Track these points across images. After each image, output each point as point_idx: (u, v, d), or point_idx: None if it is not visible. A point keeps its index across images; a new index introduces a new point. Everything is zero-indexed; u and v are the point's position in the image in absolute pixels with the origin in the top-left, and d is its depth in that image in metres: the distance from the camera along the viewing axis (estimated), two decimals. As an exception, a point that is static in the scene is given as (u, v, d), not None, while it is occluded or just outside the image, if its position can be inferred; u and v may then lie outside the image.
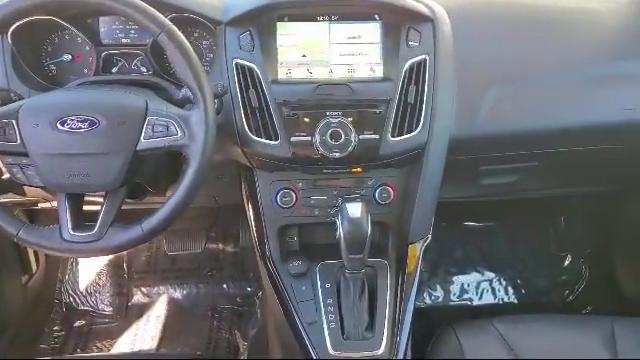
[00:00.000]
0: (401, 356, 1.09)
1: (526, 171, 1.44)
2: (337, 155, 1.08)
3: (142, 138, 0.92)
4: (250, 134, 1.09)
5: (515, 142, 1.28)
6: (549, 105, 1.25)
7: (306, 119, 1.08)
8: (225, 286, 2.09)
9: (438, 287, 2.12)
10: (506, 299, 2.11)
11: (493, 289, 2.12)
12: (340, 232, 1.03)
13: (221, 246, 2.15)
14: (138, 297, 2.10)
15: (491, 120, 1.22)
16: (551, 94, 1.26)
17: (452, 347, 1.20)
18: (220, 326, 1.97)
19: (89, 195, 1.01)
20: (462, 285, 2.14)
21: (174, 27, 0.93)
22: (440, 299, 2.11)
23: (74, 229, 0.94)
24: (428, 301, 2.10)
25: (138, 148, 0.93)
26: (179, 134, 0.92)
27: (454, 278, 2.14)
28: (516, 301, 2.09)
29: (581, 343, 1.23)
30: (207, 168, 0.93)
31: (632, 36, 1.34)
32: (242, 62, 1.10)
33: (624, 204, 1.83)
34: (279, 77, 1.13)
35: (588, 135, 1.30)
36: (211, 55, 1.19)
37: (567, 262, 2.13)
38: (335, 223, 1.06)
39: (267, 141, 1.09)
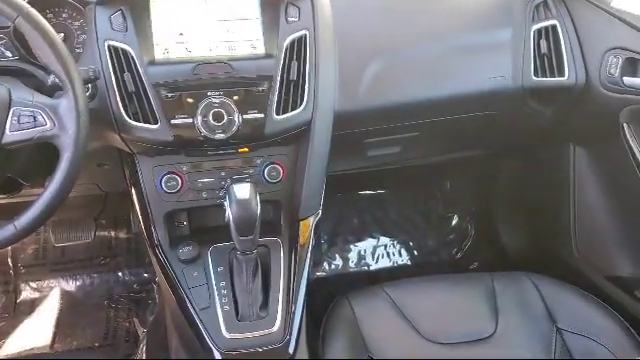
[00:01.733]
0: (295, 330, 1.11)
1: (409, 141, 1.50)
2: (221, 136, 1.07)
3: (7, 131, 0.86)
4: (128, 119, 1.04)
5: (396, 114, 1.32)
6: (425, 76, 1.31)
7: (186, 100, 1.05)
8: (120, 274, 2.03)
9: (337, 256, 2.17)
10: (400, 261, 2.20)
11: (388, 253, 2.21)
12: (229, 214, 1.02)
13: (113, 233, 2.08)
14: (27, 293, 1.99)
15: (372, 94, 1.26)
16: (426, 65, 1.31)
17: (346, 316, 1.24)
18: (117, 315, 1.92)
19: None
20: (359, 252, 2.20)
21: (32, 9, 0.87)
22: (339, 267, 2.16)
23: None
24: (328, 270, 2.15)
25: (3, 142, 0.86)
26: (48, 124, 0.87)
27: (351, 246, 2.21)
28: (409, 262, 2.19)
29: (465, 299, 1.32)
30: (82, 158, 0.89)
31: (499, 5, 1.41)
32: (115, 44, 1.05)
33: (501, 166, 1.96)
34: (156, 58, 1.09)
35: (463, 103, 1.36)
36: (83, 36, 1.12)
37: (454, 222, 2.26)
38: (224, 205, 1.05)
39: (146, 125, 1.05)
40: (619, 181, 1.46)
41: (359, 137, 1.41)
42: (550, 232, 1.76)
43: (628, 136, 1.35)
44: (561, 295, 1.30)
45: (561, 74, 1.38)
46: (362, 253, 2.20)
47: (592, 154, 1.55)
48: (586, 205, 1.59)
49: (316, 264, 2.13)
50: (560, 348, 1.21)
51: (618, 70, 1.34)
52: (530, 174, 1.84)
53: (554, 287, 1.32)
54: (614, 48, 1.34)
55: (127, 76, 1.04)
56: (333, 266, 2.16)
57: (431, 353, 1.20)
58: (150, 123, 1.05)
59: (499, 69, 1.36)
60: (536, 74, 1.37)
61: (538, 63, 1.37)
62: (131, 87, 1.04)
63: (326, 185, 1.26)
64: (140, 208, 1.17)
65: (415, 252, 2.22)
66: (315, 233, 1.23)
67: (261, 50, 1.13)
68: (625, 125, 1.35)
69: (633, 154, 1.34)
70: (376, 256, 2.21)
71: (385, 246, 2.23)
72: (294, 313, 1.12)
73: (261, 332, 1.09)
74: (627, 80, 1.32)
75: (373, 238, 2.23)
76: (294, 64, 1.11)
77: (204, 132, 1.06)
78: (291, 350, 1.10)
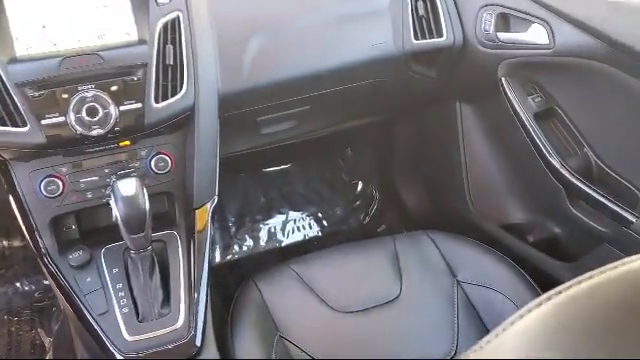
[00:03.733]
0: (200, 322, 1.09)
1: (302, 115, 1.49)
2: (99, 132, 1.01)
3: None
4: None
5: (282, 90, 1.31)
6: (308, 49, 1.30)
7: (56, 98, 0.98)
8: (18, 284, 1.91)
9: (246, 237, 2.15)
10: (311, 234, 2.21)
11: (298, 227, 2.22)
12: (116, 213, 0.98)
13: (5, 243, 1.94)
14: None
15: (256, 71, 1.23)
16: (308, 37, 1.30)
17: (254, 299, 1.24)
18: (20, 328, 1.80)
19: None
20: (269, 230, 2.19)
21: None
22: (250, 248, 2.15)
23: None
24: (239, 252, 2.13)
25: None
26: None
27: (261, 225, 2.19)
28: (320, 234, 2.21)
29: (370, 265, 1.34)
30: None
31: None
32: None
33: (396, 130, 2.00)
34: (17, 55, 1.00)
35: (349, 73, 1.37)
36: None
37: (359, 188, 2.29)
38: (110, 204, 1.00)
39: (14, 129, 0.98)
40: (503, 133, 1.52)
41: (250, 116, 1.39)
42: (446, 189, 1.82)
43: (507, 89, 1.41)
44: (459, 249, 1.35)
45: (440, 35, 1.41)
46: (272, 230, 2.19)
47: (477, 110, 1.61)
48: (476, 160, 1.65)
49: (226, 248, 2.10)
50: (462, 300, 1.26)
51: (492, 26, 1.39)
52: (423, 135, 1.89)
53: (452, 242, 1.37)
54: (487, 5, 1.39)
55: None
56: (244, 247, 2.14)
57: (341, 323, 1.22)
58: (18, 126, 0.98)
59: (380, 35, 1.37)
60: (416, 37, 1.39)
61: (417, 26, 1.40)
62: None
63: (227, 167, 1.23)
64: (22, 217, 1.10)
65: (325, 222, 2.24)
66: (213, 219, 1.20)
67: (134, 37, 1.07)
68: (503, 79, 1.41)
69: (512, 106, 1.40)
70: (287, 232, 2.21)
71: (295, 220, 2.23)
72: (198, 305, 1.10)
73: (165, 330, 1.05)
74: (501, 35, 1.37)
75: (282, 214, 2.23)
76: (169, 48, 1.06)
77: (79, 130, 1.00)
78: (198, 343, 1.08)
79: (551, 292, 0.58)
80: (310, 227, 2.23)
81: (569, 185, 1.33)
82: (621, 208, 1.24)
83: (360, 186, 2.31)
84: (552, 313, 0.63)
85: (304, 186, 2.28)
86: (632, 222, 1.21)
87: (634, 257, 0.67)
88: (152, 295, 1.07)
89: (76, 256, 1.09)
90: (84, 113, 0.99)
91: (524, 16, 1.33)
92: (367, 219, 2.26)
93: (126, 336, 1.04)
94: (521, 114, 1.38)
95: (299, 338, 1.19)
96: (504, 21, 1.39)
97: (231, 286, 1.82)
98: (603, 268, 0.62)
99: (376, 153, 2.23)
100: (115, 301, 1.06)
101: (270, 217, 2.22)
